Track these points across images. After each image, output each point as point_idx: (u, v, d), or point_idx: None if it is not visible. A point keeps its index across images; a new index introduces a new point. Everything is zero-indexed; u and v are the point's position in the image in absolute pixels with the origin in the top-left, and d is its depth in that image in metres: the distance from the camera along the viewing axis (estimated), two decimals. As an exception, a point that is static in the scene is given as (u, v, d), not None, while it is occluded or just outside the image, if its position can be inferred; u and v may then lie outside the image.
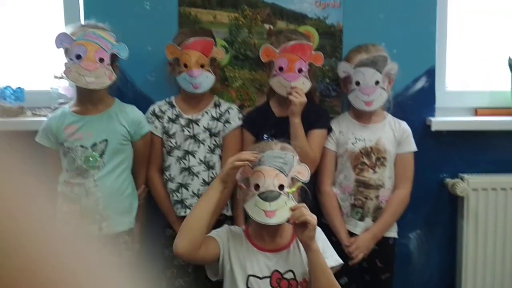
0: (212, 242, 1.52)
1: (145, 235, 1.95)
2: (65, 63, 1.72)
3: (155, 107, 1.92)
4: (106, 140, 1.77)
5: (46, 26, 2.13)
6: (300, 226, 1.43)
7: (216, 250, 1.51)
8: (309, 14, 2.02)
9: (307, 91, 1.80)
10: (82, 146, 1.76)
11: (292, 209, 1.43)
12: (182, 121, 1.88)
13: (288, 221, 1.46)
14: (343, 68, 1.88)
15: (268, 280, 1.48)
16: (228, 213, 1.89)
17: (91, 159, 1.75)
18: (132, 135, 1.83)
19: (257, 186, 1.45)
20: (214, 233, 1.56)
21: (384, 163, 1.89)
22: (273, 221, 1.43)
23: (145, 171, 1.90)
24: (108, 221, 1.77)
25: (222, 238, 1.54)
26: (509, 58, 2.16)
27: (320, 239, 1.53)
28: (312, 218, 1.42)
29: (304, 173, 1.49)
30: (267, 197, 1.43)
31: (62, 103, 1.94)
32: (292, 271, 1.50)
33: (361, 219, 1.89)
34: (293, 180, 1.49)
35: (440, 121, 2.07)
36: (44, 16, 2.17)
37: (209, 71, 1.83)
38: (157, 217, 1.92)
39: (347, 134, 1.91)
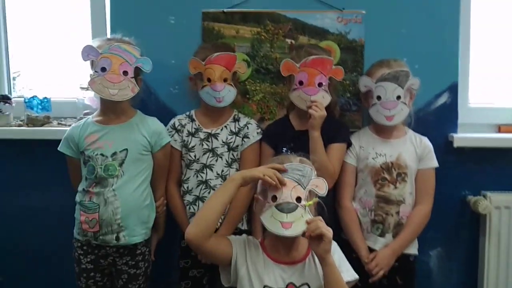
0: (225, 241, 1.55)
1: (161, 247, 1.96)
2: (90, 75, 1.78)
3: (175, 120, 1.95)
4: (126, 150, 1.80)
5: (74, 39, 2.20)
6: (316, 239, 1.43)
7: (228, 250, 1.53)
8: (331, 29, 2.03)
9: (327, 105, 1.82)
10: (102, 155, 1.79)
11: (308, 222, 1.44)
12: (201, 135, 1.90)
13: (303, 234, 1.46)
14: (365, 83, 1.88)
15: None
16: (243, 227, 1.90)
17: (110, 168, 1.78)
18: (153, 146, 1.85)
19: (274, 198, 1.47)
20: (231, 236, 1.59)
21: (405, 178, 1.87)
22: (289, 232, 1.44)
23: (164, 183, 1.92)
24: (126, 231, 1.79)
25: (238, 243, 1.55)
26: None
27: (336, 253, 1.53)
28: (328, 231, 1.43)
29: (321, 187, 1.50)
30: (284, 208, 1.44)
31: (86, 113, 2.00)
32: (307, 284, 1.49)
33: (382, 235, 1.87)
34: (311, 193, 1.50)
35: (462, 137, 2.05)
36: (72, 29, 2.24)
37: (231, 85, 1.86)
38: (173, 229, 1.93)
39: (367, 149, 1.91)
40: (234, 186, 1.51)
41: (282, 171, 1.49)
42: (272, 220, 1.45)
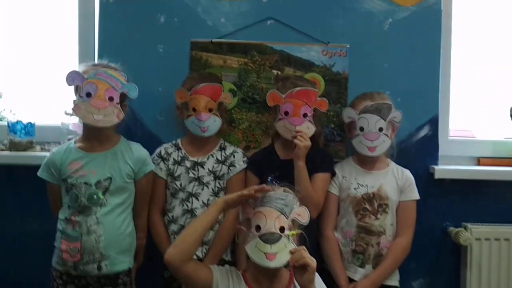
0: (205, 269, 1.55)
1: (143, 277, 1.93)
2: (74, 100, 1.76)
3: (161, 149, 1.95)
4: (110, 178, 1.78)
5: (61, 63, 2.20)
6: (300, 269, 1.43)
7: (207, 278, 1.51)
8: (316, 61, 2.08)
9: (312, 135, 1.85)
10: (86, 183, 1.77)
11: (292, 252, 1.44)
12: (188, 163, 1.91)
13: (287, 265, 1.45)
14: (348, 114, 1.92)
15: None
16: (227, 257, 1.89)
17: (95, 197, 1.76)
18: (136, 173, 1.84)
19: (258, 227, 1.47)
20: (212, 265, 1.59)
21: (386, 209, 1.90)
22: (273, 264, 1.44)
23: (146, 210, 1.90)
24: (108, 260, 1.76)
25: (219, 272, 1.54)
26: (511, 109, 2.20)
27: (317, 283, 1.53)
28: (312, 261, 1.43)
29: (304, 216, 1.51)
30: (268, 239, 1.44)
31: (70, 139, 1.97)
32: None
33: (362, 265, 1.88)
34: (294, 222, 1.50)
35: (443, 169, 2.09)
36: (59, 53, 2.25)
37: (217, 115, 1.88)
38: (155, 259, 1.88)
39: (350, 179, 1.93)
40: (216, 210, 1.53)
41: (263, 191, 1.51)
42: (256, 251, 1.45)
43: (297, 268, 1.43)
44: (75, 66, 1.98)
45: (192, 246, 1.51)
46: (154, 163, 1.90)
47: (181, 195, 1.89)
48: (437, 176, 2.07)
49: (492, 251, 2.07)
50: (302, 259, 1.42)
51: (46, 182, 1.83)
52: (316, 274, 1.51)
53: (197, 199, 1.88)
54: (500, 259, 2.07)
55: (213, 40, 2.06)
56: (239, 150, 1.98)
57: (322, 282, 1.58)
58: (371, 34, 2.09)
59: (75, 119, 2.08)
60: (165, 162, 1.92)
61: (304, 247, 1.45)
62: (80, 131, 1.99)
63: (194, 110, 1.85)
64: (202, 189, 1.89)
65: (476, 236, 2.07)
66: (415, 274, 2.11)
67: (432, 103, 2.11)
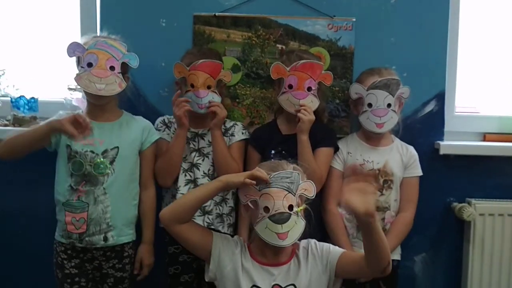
0: (202, 233, 1.57)
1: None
2: (77, 72, 1.76)
3: (164, 118, 1.96)
4: (118, 148, 1.79)
5: (63, 38, 2.17)
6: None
7: (204, 242, 1.54)
8: (322, 35, 2.05)
9: (315, 109, 1.83)
10: (92, 152, 1.77)
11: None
12: (188, 134, 1.90)
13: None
14: (356, 90, 1.90)
15: None
16: (223, 230, 1.87)
17: (101, 165, 1.77)
18: (143, 143, 1.85)
19: (266, 209, 1.47)
20: (216, 232, 1.61)
21: (391, 185, 1.90)
22: (286, 242, 1.46)
23: (153, 183, 1.90)
24: (114, 231, 1.78)
25: (223, 240, 1.56)
26: (518, 85, 2.18)
27: (318, 244, 1.56)
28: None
29: (310, 190, 1.52)
30: (278, 219, 1.45)
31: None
32: (293, 285, 1.51)
33: (366, 241, 1.89)
34: (301, 197, 1.51)
35: (448, 145, 2.08)
36: (61, 29, 2.22)
37: (215, 92, 1.85)
38: (159, 235, 1.91)
39: (355, 155, 1.93)
40: (216, 188, 1.53)
41: (264, 181, 1.48)
42: (267, 232, 1.46)
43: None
44: (77, 40, 1.95)
45: (184, 212, 1.52)
46: (159, 129, 1.92)
47: (184, 165, 1.89)
48: (442, 151, 2.05)
49: (495, 227, 2.08)
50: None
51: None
52: (315, 241, 1.54)
53: (198, 169, 1.89)
54: (504, 235, 2.08)
55: (217, 14, 2.03)
56: (240, 123, 1.98)
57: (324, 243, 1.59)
58: (377, 8, 2.05)
59: (78, 94, 2.08)
60: (169, 129, 1.93)
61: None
62: (83, 106, 1.99)
63: (192, 86, 1.83)
64: (203, 160, 1.89)
65: (480, 211, 2.07)
66: (418, 248, 2.13)
67: (439, 79, 2.09)
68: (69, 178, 1.77)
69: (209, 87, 1.83)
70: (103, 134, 1.80)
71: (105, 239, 1.77)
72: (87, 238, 1.76)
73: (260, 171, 1.48)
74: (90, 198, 1.76)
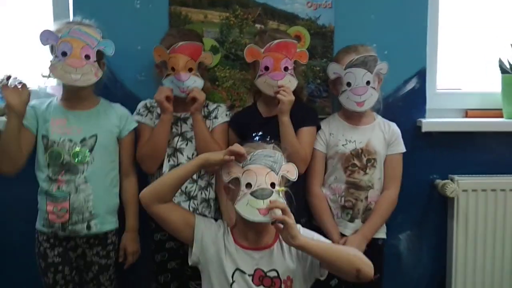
0: (186, 215, 1.56)
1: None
2: (51, 61, 1.71)
3: (146, 102, 1.92)
4: (96, 136, 1.77)
5: (35, 24, 2.11)
6: (280, 229, 1.42)
7: (188, 224, 1.52)
8: (301, 14, 2.01)
9: (294, 89, 1.80)
10: (70, 141, 1.74)
11: (268, 206, 1.41)
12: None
13: (274, 222, 1.45)
14: (334, 69, 1.87)
15: (250, 277, 1.49)
16: (210, 215, 1.86)
17: (80, 154, 1.74)
18: (121, 130, 1.82)
19: (248, 185, 1.45)
20: (199, 215, 1.59)
21: (374, 164, 1.89)
22: (267, 218, 1.43)
23: (134, 169, 1.87)
24: (97, 219, 1.76)
25: (206, 223, 1.55)
26: (499, 60, 2.17)
27: (305, 233, 1.53)
28: (289, 217, 1.41)
29: (292, 172, 1.50)
30: (260, 195, 1.44)
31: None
32: (275, 270, 1.50)
33: (351, 220, 1.88)
34: (282, 178, 1.50)
35: (430, 122, 2.07)
36: (33, 14, 2.15)
37: (197, 75, 1.82)
38: (145, 222, 1.89)
39: (337, 136, 1.91)
40: (196, 164, 1.53)
41: (242, 156, 1.47)
42: (248, 208, 1.44)
43: (277, 228, 1.43)
44: (50, 25, 1.89)
45: (165, 191, 1.52)
46: (141, 114, 1.88)
47: (168, 150, 1.86)
48: (424, 129, 2.05)
49: (478, 202, 2.09)
50: (280, 217, 1.40)
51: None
52: (300, 227, 1.51)
53: (182, 154, 1.86)
54: (487, 210, 2.10)
55: (193, -6, 1.98)
56: (223, 105, 1.95)
57: (309, 231, 1.57)
58: (357, -16, 2.02)
59: (53, 82, 2.02)
60: (152, 114, 1.89)
61: (280, 202, 1.43)
62: (58, 94, 1.94)
63: (173, 69, 1.79)
64: (186, 144, 1.87)
65: (463, 187, 2.08)
66: (402, 226, 2.14)
67: (420, 56, 2.07)
68: (46, 168, 1.75)
69: (190, 70, 1.80)
70: (80, 122, 1.77)
71: (88, 227, 1.75)
72: (70, 227, 1.74)
73: (237, 146, 1.48)
74: (71, 187, 1.73)
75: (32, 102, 1.80)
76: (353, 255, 1.45)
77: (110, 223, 1.81)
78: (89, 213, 1.74)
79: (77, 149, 1.74)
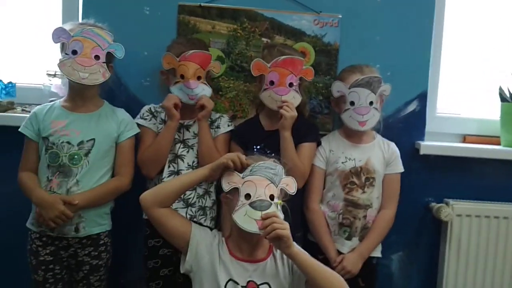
0: (183, 222, 1.56)
1: (128, 246, 1.91)
2: (60, 59, 1.72)
3: (150, 106, 1.92)
4: (94, 140, 1.76)
5: (43, 24, 2.12)
6: (274, 239, 1.43)
7: (184, 230, 1.52)
8: (307, 31, 2.04)
9: (297, 105, 1.82)
10: (68, 143, 1.74)
11: (263, 218, 1.42)
12: None
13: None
14: (338, 88, 1.89)
15: None
16: (205, 223, 1.86)
17: (75, 157, 1.73)
18: (119, 135, 1.81)
19: (248, 196, 1.46)
20: (195, 223, 1.59)
21: (373, 183, 1.90)
22: (263, 231, 1.42)
23: (128, 174, 1.83)
24: (86, 222, 1.75)
25: (201, 231, 1.55)
26: (500, 88, 2.20)
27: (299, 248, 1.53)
28: (283, 229, 1.41)
29: (291, 186, 1.51)
30: (259, 206, 1.44)
31: (52, 101, 1.93)
32: (268, 283, 1.50)
33: (348, 238, 1.89)
34: (281, 191, 1.50)
35: (429, 145, 2.09)
36: (42, 14, 2.16)
37: (205, 83, 1.83)
38: (139, 228, 1.89)
39: (337, 153, 1.92)
40: (201, 175, 1.54)
41: (245, 164, 1.49)
42: (246, 219, 1.44)
43: (272, 240, 1.44)
44: (59, 25, 1.91)
45: (167, 196, 1.53)
46: (145, 118, 1.88)
47: (168, 156, 1.86)
48: (422, 151, 2.07)
49: (472, 228, 2.11)
50: (273, 233, 1.40)
51: (25, 137, 1.79)
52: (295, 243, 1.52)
53: (183, 161, 1.86)
54: (480, 236, 2.11)
55: (202, 4, 2.00)
56: (226, 115, 1.96)
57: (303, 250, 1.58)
58: (364, 6, 2.06)
59: (58, 81, 2.03)
60: (155, 119, 1.89)
61: (275, 214, 1.44)
62: (62, 93, 1.96)
63: (182, 77, 1.80)
64: (187, 152, 1.87)
65: (457, 212, 2.09)
66: (395, 247, 2.14)
67: (422, 79, 2.10)
68: (47, 169, 1.75)
69: (199, 78, 1.81)
70: (80, 125, 1.77)
71: (76, 230, 1.75)
72: (58, 228, 1.73)
73: (241, 156, 1.49)
74: (62, 189, 1.73)
75: (35, 108, 1.81)
76: (338, 281, 1.45)
77: (100, 226, 1.79)
78: (78, 216, 1.73)
79: (74, 151, 1.73)
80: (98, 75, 1.72)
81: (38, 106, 1.83)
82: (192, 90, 1.80)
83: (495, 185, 2.18)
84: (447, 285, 2.11)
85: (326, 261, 1.81)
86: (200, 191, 1.85)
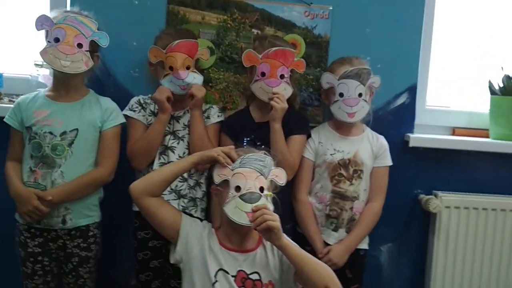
0: (173, 212, 1.56)
1: (117, 238, 1.90)
2: (44, 46, 1.70)
3: (139, 98, 1.90)
4: (77, 130, 1.74)
5: (31, 13, 2.09)
6: (264, 231, 1.43)
7: (174, 220, 1.53)
8: (298, 22, 2.03)
9: (288, 97, 1.81)
10: (51, 133, 1.72)
11: (254, 210, 1.43)
12: None
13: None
14: (327, 79, 1.89)
15: (233, 278, 1.49)
16: (196, 214, 1.85)
17: (58, 147, 1.72)
18: (103, 124, 1.78)
19: (238, 188, 1.46)
20: (185, 214, 1.59)
21: (361, 175, 1.90)
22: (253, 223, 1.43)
23: (109, 165, 1.79)
24: (73, 213, 1.74)
25: (191, 222, 1.55)
26: (489, 81, 2.21)
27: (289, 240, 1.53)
28: (274, 221, 1.42)
29: (281, 177, 1.52)
30: (249, 198, 1.44)
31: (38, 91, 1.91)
32: (257, 273, 1.51)
33: (335, 229, 1.90)
34: (271, 183, 1.51)
35: (418, 137, 2.10)
36: (30, 3, 2.13)
37: (195, 71, 1.82)
38: (129, 220, 1.88)
39: (326, 145, 1.92)
40: (190, 162, 1.56)
41: (234, 159, 1.49)
42: (236, 211, 1.44)
43: (262, 231, 1.44)
44: (46, 14, 1.89)
45: (157, 185, 1.53)
46: (134, 110, 1.86)
47: (159, 148, 1.85)
48: (411, 144, 2.08)
49: (460, 220, 2.12)
50: (264, 224, 1.41)
51: (11, 128, 1.77)
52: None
53: (173, 152, 1.85)
54: (468, 228, 2.12)
55: (192, -5, 1.98)
56: (215, 106, 1.95)
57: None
58: (355, -3, 2.05)
59: (45, 71, 2.01)
60: (145, 111, 1.88)
61: (265, 206, 1.44)
62: (49, 83, 1.93)
63: (171, 68, 1.79)
64: (178, 143, 1.86)
65: (446, 204, 2.11)
66: (384, 238, 2.15)
67: (412, 72, 2.10)
68: (30, 159, 1.73)
69: (188, 68, 1.80)
70: (63, 114, 1.74)
71: (63, 221, 1.73)
72: (45, 220, 1.72)
73: (232, 150, 1.51)
74: (47, 181, 1.71)
75: (19, 98, 1.79)
76: (326, 272, 1.46)
77: (88, 218, 1.78)
78: (64, 208, 1.72)
79: (57, 142, 1.71)
80: (80, 63, 1.70)
81: (22, 96, 1.81)
82: (182, 81, 1.78)
83: (484, 178, 2.19)
84: (436, 276, 2.13)
85: (313, 252, 1.81)
86: (191, 182, 1.85)
